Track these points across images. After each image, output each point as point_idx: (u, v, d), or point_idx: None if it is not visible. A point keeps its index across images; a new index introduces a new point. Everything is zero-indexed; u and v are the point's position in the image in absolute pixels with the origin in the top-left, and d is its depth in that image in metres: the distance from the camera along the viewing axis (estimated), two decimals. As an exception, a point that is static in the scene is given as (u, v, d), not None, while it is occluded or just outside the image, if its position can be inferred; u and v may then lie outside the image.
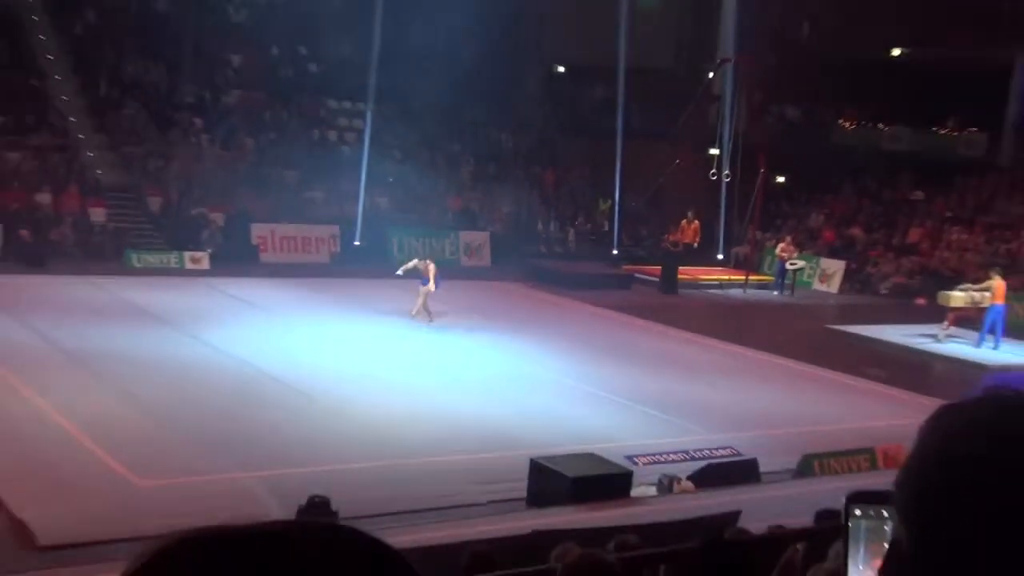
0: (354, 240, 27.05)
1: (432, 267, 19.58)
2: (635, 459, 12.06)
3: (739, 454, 12.77)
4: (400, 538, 9.06)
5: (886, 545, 1.07)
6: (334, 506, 9.54)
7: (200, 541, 0.85)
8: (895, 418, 15.29)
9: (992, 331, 21.39)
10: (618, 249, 30.28)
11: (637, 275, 28.31)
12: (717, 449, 13.02)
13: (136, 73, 29.92)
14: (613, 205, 30.98)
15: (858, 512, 1.13)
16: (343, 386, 14.72)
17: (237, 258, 25.18)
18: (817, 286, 29.57)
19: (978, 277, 23.95)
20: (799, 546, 5.62)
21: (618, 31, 30.49)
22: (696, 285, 28.20)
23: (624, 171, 30.39)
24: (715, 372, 18.06)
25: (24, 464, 10.84)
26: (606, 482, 10.83)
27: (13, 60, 28.31)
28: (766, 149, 31.02)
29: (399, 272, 19.81)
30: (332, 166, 28.78)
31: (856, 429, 14.31)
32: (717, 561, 5.53)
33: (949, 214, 31.28)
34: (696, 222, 29.59)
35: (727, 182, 29.71)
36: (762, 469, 12.24)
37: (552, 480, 10.68)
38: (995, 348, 21.33)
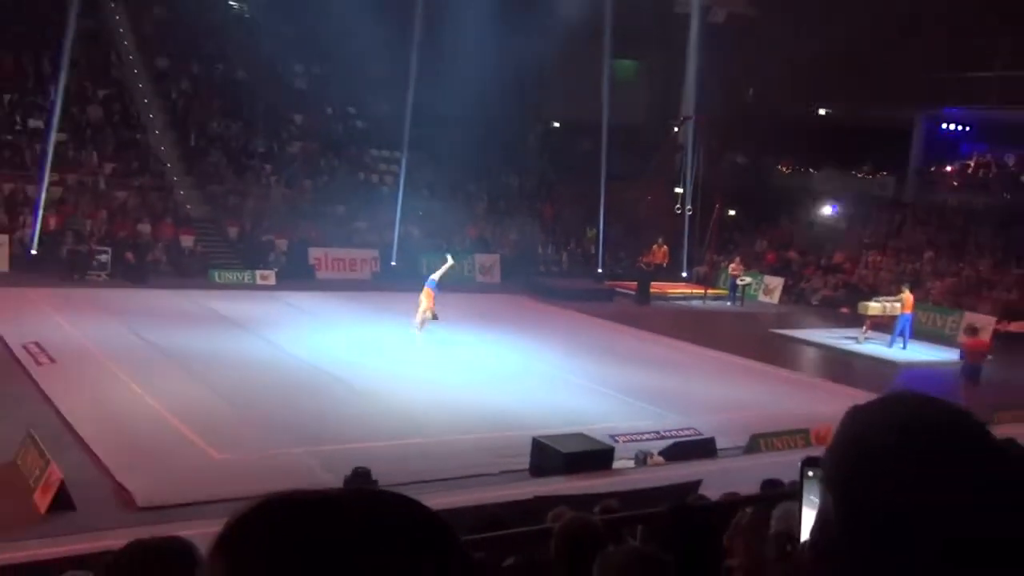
0: (391, 261, 26.98)
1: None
2: (616, 438, 11.92)
3: (700, 434, 12.62)
4: (428, 501, 8.92)
5: None
6: (374, 476, 9.45)
7: (284, 502, 0.90)
8: (825, 404, 15.11)
9: (902, 335, 21.27)
10: (602, 268, 30.17)
11: (618, 289, 28.16)
12: (682, 430, 12.88)
13: (219, 128, 29.91)
14: (598, 233, 30.89)
15: (810, 473, 1.20)
16: (380, 378, 14.63)
17: (297, 276, 25.10)
18: (761, 298, 29.41)
19: (891, 291, 23.83)
20: (748, 509, 5.50)
21: (601, 94, 30.49)
22: (665, 297, 28.04)
23: (607, 206, 30.34)
24: (681, 367, 17.92)
25: (126, 439, 10.75)
26: (593, 457, 10.71)
27: (123, 119, 28.34)
28: (720, 188, 30.95)
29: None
30: (374, 202, 28.75)
31: (794, 413, 14.13)
32: (683, 523, 5.42)
33: (866, 240, 31.15)
34: (665, 247, 29.48)
35: (689, 215, 29.63)
36: (718, 446, 12.10)
37: (549, 455, 10.58)
38: (904, 348, 21.19)
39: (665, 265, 29.48)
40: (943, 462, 0.96)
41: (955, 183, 32.06)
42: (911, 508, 0.94)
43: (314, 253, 26.62)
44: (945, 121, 32.82)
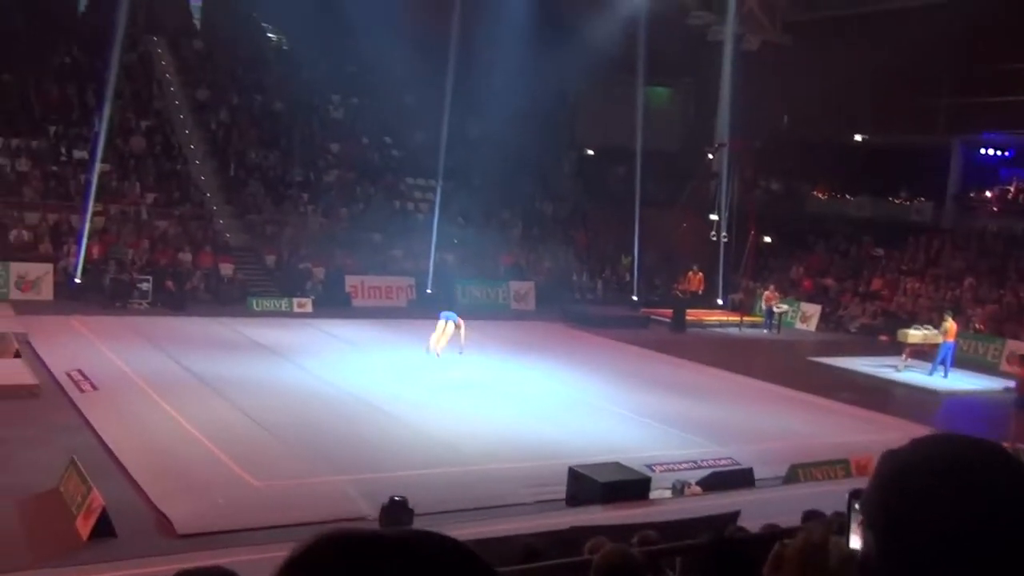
0: (427, 289, 27.08)
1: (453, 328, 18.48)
2: (653, 467, 11.81)
3: (737, 463, 12.48)
4: (463, 531, 8.94)
5: None
6: (410, 504, 9.44)
7: (339, 539, 0.96)
8: (864, 434, 14.97)
9: (943, 363, 20.95)
10: (637, 296, 30.06)
11: (653, 316, 28.04)
12: (719, 459, 12.73)
13: (257, 158, 30.33)
14: (633, 260, 30.83)
15: (857, 505, 1.20)
16: (416, 406, 14.63)
17: (334, 303, 25.26)
18: (798, 326, 29.13)
19: (931, 318, 23.51)
20: (786, 541, 5.42)
21: (635, 121, 30.55)
22: (701, 325, 27.88)
23: (641, 233, 30.29)
24: (717, 395, 17.74)
25: (166, 466, 10.84)
26: (630, 486, 10.60)
27: (164, 149, 28.86)
28: (755, 215, 30.81)
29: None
30: (409, 230, 28.90)
31: (833, 443, 13.92)
32: (722, 555, 5.37)
33: (904, 267, 30.78)
34: (700, 274, 29.33)
35: (724, 242, 29.48)
36: (756, 476, 11.94)
37: (586, 484, 10.49)
38: (944, 377, 20.86)
39: (700, 292, 29.31)
40: (980, 502, 0.98)
41: (994, 208, 31.61)
42: (949, 549, 0.96)
43: (350, 281, 26.79)
44: (984, 146, 32.43)
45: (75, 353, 16.45)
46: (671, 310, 27.67)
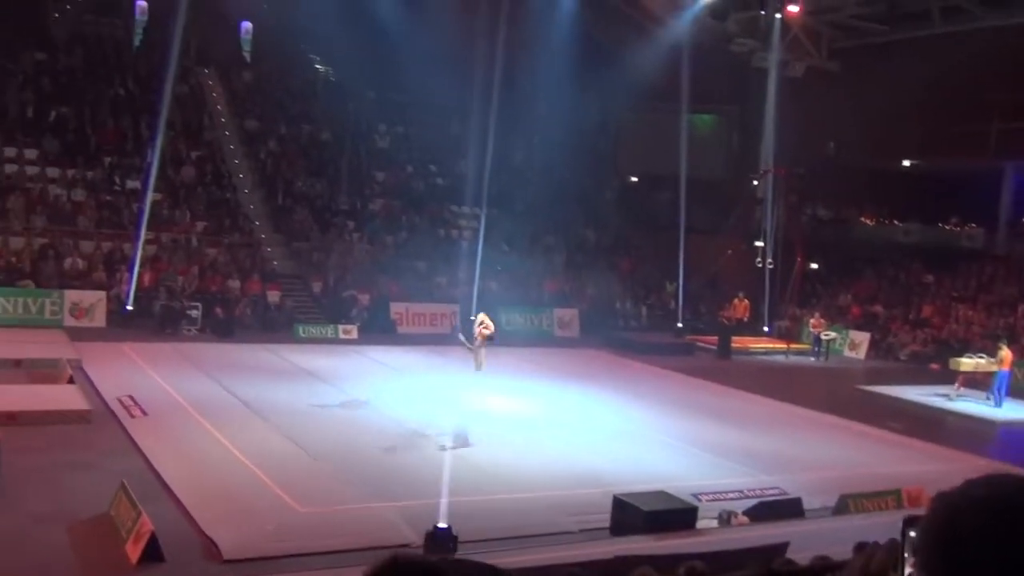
0: (471, 316, 27.05)
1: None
2: (699, 496, 11.64)
3: (785, 493, 12.27)
4: (507, 559, 8.88)
5: None
6: (454, 531, 9.42)
7: (403, 565, 1.03)
8: (916, 464, 14.63)
9: (997, 391, 20.47)
10: (682, 323, 29.83)
11: (698, 344, 27.83)
12: (767, 489, 12.54)
13: (305, 187, 30.75)
14: (677, 287, 30.65)
15: (912, 533, 1.20)
16: (461, 432, 14.59)
17: (379, 330, 25.43)
18: (847, 353, 28.69)
19: (984, 346, 23.02)
20: (837, 573, 5.29)
21: (679, 148, 30.50)
22: (746, 352, 27.59)
23: (686, 260, 30.12)
24: (764, 423, 17.50)
25: (213, 491, 10.92)
26: (675, 515, 10.47)
27: (214, 179, 29.40)
28: (801, 241, 30.49)
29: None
30: (453, 257, 29.03)
31: (883, 473, 13.62)
32: (772, 587, 5.25)
33: (955, 294, 30.22)
34: (746, 300, 29.05)
35: (770, 268, 29.19)
36: (805, 506, 11.72)
37: (631, 513, 10.37)
38: (998, 406, 20.37)
39: (746, 319, 29.02)
40: None
41: (1048, 234, 30.97)
42: None
43: (395, 308, 26.95)
44: (1036, 171, 31.81)
45: (126, 379, 16.72)
46: (716, 337, 27.42)
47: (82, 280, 24.21)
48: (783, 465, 14.03)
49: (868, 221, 35.11)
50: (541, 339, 26.98)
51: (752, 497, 11.99)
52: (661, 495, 10.95)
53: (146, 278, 24.44)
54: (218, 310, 24.13)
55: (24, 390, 15.13)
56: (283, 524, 9.96)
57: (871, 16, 30.85)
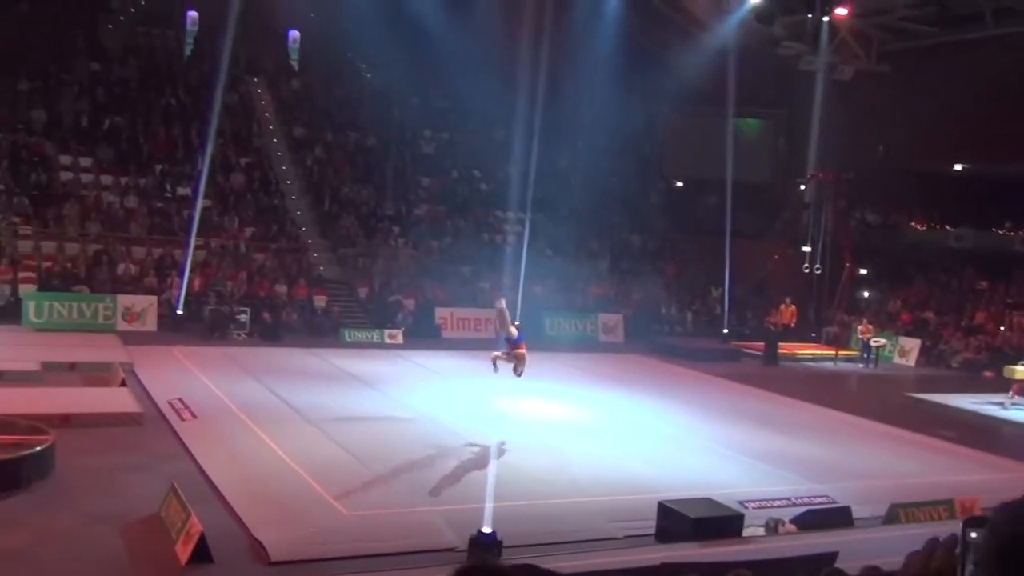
0: (515, 321, 27.04)
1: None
2: (746, 504, 11.49)
3: (834, 501, 12.05)
4: (551, 565, 8.84)
5: None
6: (498, 536, 9.41)
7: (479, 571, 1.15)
8: (969, 473, 14.31)
9: (1053, 399, 20.00)
10: (728, 328, 29.55)
11: (744, 350, 27.53)
12: (815, 497, 12.32)
13: (351, 193, 31.03)
14: (723, 292, 30.37)
15: (973, 535, 1.21)
16: (504, 437, 14.59)
17: (424, 335, 25.53)
18: (897, 360, 28.19)
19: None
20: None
21: (725, 152, 30.25)
22: (794, 358, 27.23)
23: (732, 265, 29.84)
24: (812, 431, 17.22)
25: (261, 494, 11.02)
26: (722, 523, 10.34)
27: (262, 186, 29.79)
28: (850, 247, 30.05)
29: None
30: (498, 262, 29.04)
31: (935, 482, 13.33)
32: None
33: (1010, 300, 29.56)
34: (793, 306, 28.70)
35: (818, 274, 28.83)
36: (854, 515, 11.49)
37: (676, 520, 10.28)
38: (1054, 414, 19.91)
39: (793, 325, 28.66)
40: None
41: (1105, 239, 30.20)
42: None
43: (440, 313, 27.04)
44: (1094, 174, 31.01)
45: (176, 382, 16.99)
46: (763, 343, 27.11)
47: (134, 285, 24.66)
48: (831, 473, 13.80)
49: (918, 226, 34.49)
50: (585, 344, 26.89)
51: (800, 505, 11.79)
52: (707, 502, 10.83)
53: (196, 283, 24.82)
54: (266, 315, 24.41)
55: (78, 393, 15.44)
56: (328, 527, 10.02)
57: (921, 18, 30.34)
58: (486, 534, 9.37)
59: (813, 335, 29.37)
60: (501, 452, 13.53)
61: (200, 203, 25.64)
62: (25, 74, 29.69)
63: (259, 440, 13.42)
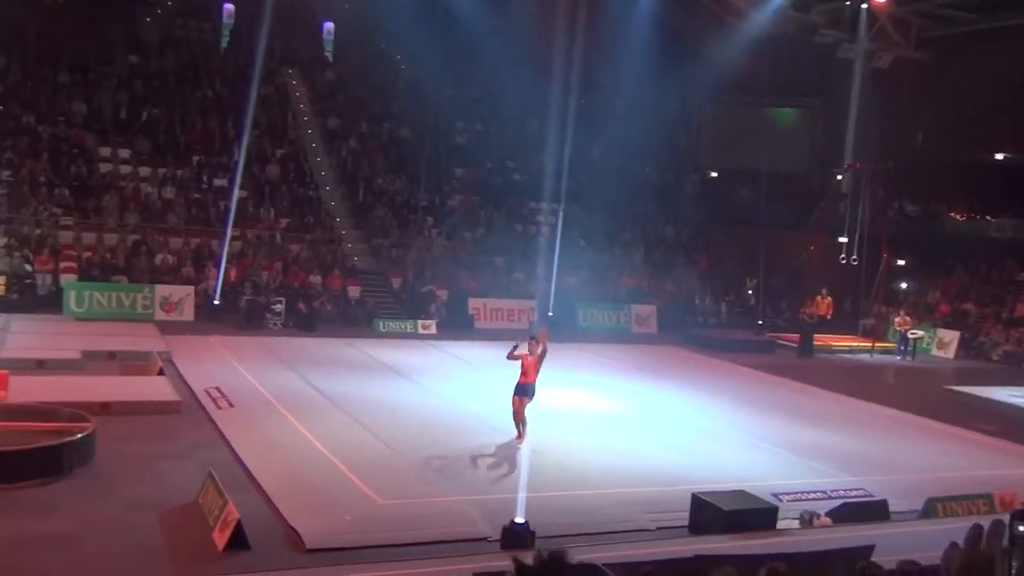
0: (548, 311, 27.12)
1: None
2: (780, 496, 11.39)
3: (870, 495, 11.93)
4: (583, 555, 8.84)
5: None
6: (531, 527, 9.43)
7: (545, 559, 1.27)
8: (1008, 467, 14.11)
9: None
10: (762, 320, 29.34)
11: (779, 341, 27.33)
12: (851, 490, 12.20)
13: (385, 184, 31.14)
14: (758, 283, 30.13)
15: (1021, 528, 1.28)
16: (537, 428, 14.56)
17: (457, 325, 25.61)
18: (935, 352, 27.82)
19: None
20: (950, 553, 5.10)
21: (761, 142, 29.96)
22: (829, 350, 26.98)
23: (767, 256, 29.59)
24: (848, 423, 17.05)
25: (296, 482, 11.11)
26: (756, 515, 10.26)
27: (297, 177, 29.99)
28: (888, 237, 29.67)
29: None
30: (531, 253, 29.05)
31: (974, 476, 13.15)
32: (856, 591, 5.11)
33: (1052, 292, 29.07)
34: (829, 298, 28.38)
35: (855, 264, 28.54)
36: (891, 509, 11.36)
37: (710, 512, 10.22)
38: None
39: (829, 317, 28.37)
40: None
41: None
42: None
43: (473, 303, 27.11)
44: None
45: (213, 371, 17.18)
46: (798, 335, 26.87)
47: (172, 275, 24.96)
48: (868, 466, 13.65)
49: (958, 216, 33.98)
50: (619, 335, 26.83)
51: (835, 498, 11.68)
52: (741, 494, 10.75)
53: (232, 273, 25.08)
54: (300, 305, 24.60)
55: (117, 381, 15.68)
56: (362, 515, 10.09)
57: (960, 4, 29.83)
58: (519, 524, 9.39)
59: (855, 326, 29.00)
60: (534, 442, 13.52)
61: (236, 194, 25.88)
62: (65, 67, 30.12)
63: (294, 429, 13.54)
